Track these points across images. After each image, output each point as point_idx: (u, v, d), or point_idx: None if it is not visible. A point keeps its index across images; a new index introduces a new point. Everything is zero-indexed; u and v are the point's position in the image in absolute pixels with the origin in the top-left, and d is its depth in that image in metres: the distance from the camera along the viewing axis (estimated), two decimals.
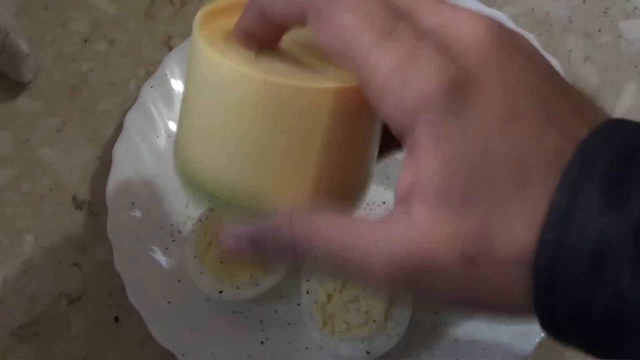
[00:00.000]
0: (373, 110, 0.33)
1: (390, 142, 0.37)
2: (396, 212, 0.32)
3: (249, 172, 0.35)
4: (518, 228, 0.29)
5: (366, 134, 0.36)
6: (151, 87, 0.65)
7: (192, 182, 0.38)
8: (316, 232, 0.33)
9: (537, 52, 0.33)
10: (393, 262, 0.31)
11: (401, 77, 0.30)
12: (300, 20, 0.33)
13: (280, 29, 0.36)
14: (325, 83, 0.34)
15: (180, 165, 0.39)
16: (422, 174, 0.31)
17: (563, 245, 0.28)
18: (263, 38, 0.36)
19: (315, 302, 0.56)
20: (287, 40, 0.37)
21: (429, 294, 0.32)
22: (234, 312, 0.60)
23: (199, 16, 0.38)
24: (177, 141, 0.39)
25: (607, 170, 0.28)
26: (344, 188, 0.37)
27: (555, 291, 0.29)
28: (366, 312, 0.55)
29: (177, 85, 0.66)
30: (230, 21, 0.37)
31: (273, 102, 0.33)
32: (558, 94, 0.32)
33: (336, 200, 0.36)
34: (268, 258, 0.37)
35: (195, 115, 0.37)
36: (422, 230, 0.31)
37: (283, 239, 0.33)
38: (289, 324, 0.59)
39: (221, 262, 0.57)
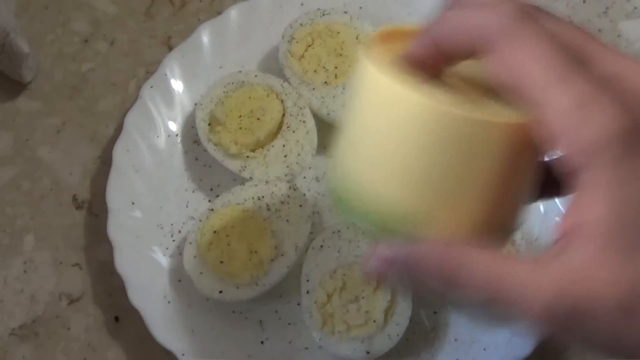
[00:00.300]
0: (536, 149, 0.33)
1: (548, 186, 0.37)
2: (552, 252, 0.32)
3: (412, 197, 0.35)
4: None
5: (527, 174, 0.36)
6: (151, 87, 0.65)
7: (348, 203, 0.38)
8: (467, 265, 0.32)
9: None
10: (546, 305, 0.31)
11: (577, 119, 0.31)
12: (471, 52, 0.34)
13: (449, 58, 0.36)
14: (496, 117, 0.34)
15: (338, 185, 0.38)
16: (590, 215, 0.31)
17: None
18: (431, 66, 0.37)
19: (315, 302, 0.56)
20: (449, 73, 0.38)
21: (582, 339, 0.32)
22: (234, 312, 0.60)
23: (372, 37, 0.39)
24: (336, 161, 0.39)
25: None
26: (497, 225, 0.36)
27: None
28: (366, 312, 0.55)
29: (177, 85, 0.66)
30: (397, 46, 0.38)
31: (446, 131, 0.33)
32: None
33: (488, 237, 0.35)
34: (413, 285, 0.36)
35: (360, 137, 0.37)
36: (580, 273, 0.30)
37: (432, 268, 0.33)
38: (289, 324, 0.59)
39: (221, 262, 0.57)
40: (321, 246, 0.58)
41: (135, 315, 0.57)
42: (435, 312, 0.59)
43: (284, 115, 0.62)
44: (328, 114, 0.63)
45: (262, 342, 0.58)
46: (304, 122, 0.62)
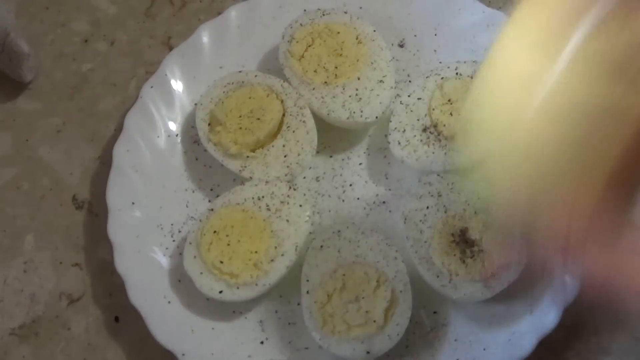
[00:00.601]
0: None
1: None
2: None
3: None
4: None
5: None
6: (151, 87, 0.65)
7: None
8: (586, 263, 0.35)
9: None
10: None
11: None
12: None
13: None
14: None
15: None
16: None
17: None
18: None
19: (315, 302, 0.56)
20: None
21: None
22: (234, 312, 0.60)
23: None
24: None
25: None
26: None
27: None
28: (366, 312, 0.55)
29: (177, 85, 0.66)
30: None
31: None
32: None
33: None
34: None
35: None
36: None
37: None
38: (289, 324, 0.59)
39: (221, 262, 0.57)
40: (321, 246, 0.58)
41: (135, 315, 0.57)
42: (435, 312, 0.59)
43: (284, 115, 0.62)
44: (328, 114, 0.63)
45: (262, 342, 0.58)
46: (304, 122, 0.62)
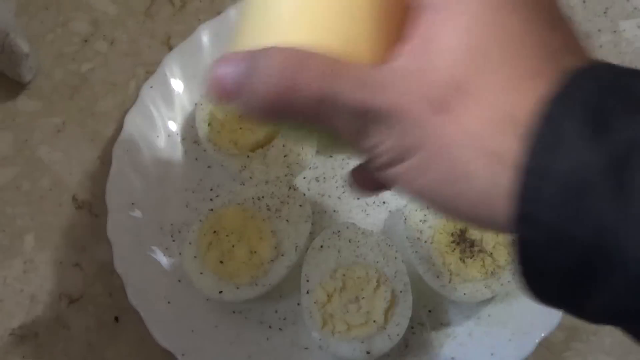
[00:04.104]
0: None
1: None
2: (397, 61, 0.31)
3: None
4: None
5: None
6: (151, 87, 0.65)
7: None
8: (306, 61, 0.31)
9: None
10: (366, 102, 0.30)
11: None
12: None
13: None
14: None
15: None
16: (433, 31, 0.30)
17: (542, 176, 0.27)
18: None
19: (315, 302, 0.56)
20: None
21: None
22: (234, 312, 0.60)
23: None
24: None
25: (591, 101, 0.28)
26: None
27: (532, 225, 0.28)
28: (366, 312, 0.55)
29: (177, 85, 0.66)
30: None
31: None
32: (561, 22, 0.33)
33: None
34: (251, 101, 0.32)
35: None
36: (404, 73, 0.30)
37: (271, 76, 0.31)
38: (289, 324, 0.59)
39: (221, 262, 0.57)
40: (321, 246, 0.58)
41: (135, 315, 0.57)
42: (435, 312, 0.59)
43: None
44: None
45: (262, 342, 0.58)
46: None
